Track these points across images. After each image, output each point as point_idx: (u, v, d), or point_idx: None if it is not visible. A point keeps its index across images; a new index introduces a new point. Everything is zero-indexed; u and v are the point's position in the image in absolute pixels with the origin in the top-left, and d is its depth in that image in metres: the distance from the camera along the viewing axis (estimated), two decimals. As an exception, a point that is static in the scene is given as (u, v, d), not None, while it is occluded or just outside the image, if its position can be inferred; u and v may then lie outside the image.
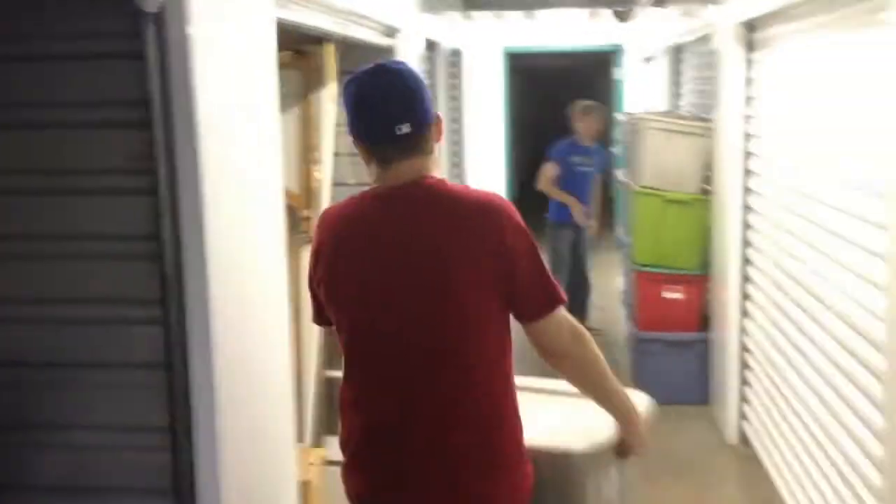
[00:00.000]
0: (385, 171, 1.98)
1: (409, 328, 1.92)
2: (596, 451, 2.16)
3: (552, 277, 1.97)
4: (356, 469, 2.03)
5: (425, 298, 1.90)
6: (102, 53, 2.10)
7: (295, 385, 4.03)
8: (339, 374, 4.80)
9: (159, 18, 2.00)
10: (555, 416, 2.09)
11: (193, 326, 2.07)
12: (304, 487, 3.33)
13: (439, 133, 2.02)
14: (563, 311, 1.98)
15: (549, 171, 6.51)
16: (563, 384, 2.11)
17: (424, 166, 1.97)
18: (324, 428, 4.35)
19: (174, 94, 2.05)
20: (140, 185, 2.09)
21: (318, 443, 4.23)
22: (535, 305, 1.95)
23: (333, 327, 2.05)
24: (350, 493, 2.06)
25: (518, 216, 1.95)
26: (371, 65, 1.97)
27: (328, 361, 4.48)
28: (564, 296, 1.99)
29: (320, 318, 2.11)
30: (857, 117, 3.08)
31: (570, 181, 6.52)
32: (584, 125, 6.59)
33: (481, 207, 1.92)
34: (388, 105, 1.92)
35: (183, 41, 2.04)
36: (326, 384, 4.43)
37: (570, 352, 1.98)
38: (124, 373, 2.15)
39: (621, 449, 2.16)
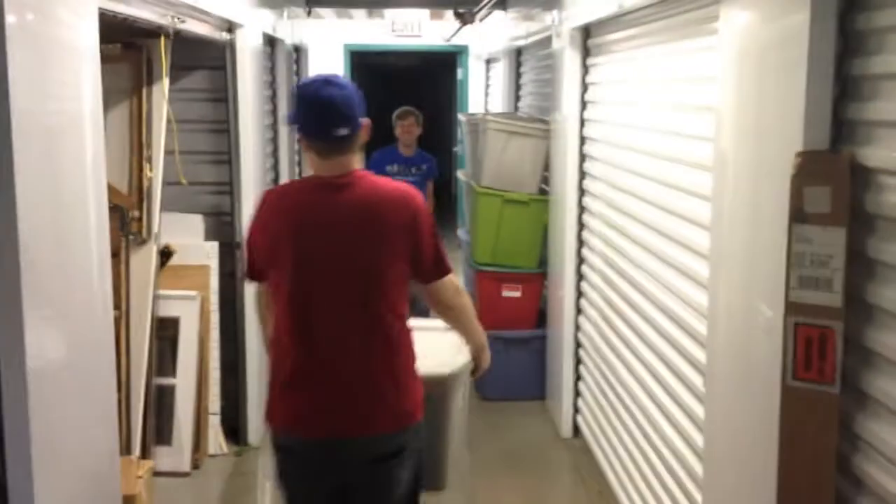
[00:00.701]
0: (322, 162, 2.53)
1: (339, 285, 2.49)
2: (459, 372, 3.08)
3: (445, 251, 2.62)
4: (289, 398, 2.54)
5: (354, 261, 2.48)
6: None
7: (124, 393, 3.87)
8: (171, 381, 4.67)
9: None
10: (429, 347, 2.82)
11: (4, 334, 1.94)
12: (131, 502, 3.20)
13: (366, 135, 2.59)
14: (451, 276, 2.65)
15: None
16: (436, 323, 2.92)
17: (353, 161, 2.56)
18: (152, 438, 4.19)
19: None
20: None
21: (146, 454, 4.08)
22: (433, 272, 2.60)
23: (265, 284, 2.62)
24: (278, 425, 2.57)
25: (424, 203, 2.59)
26: (322, 76, 2.57)
27: (158, 368, 4.32)
28: (452, 265, 2.67)
29: (252, 275, 2.66)
30: (683, 122, 3.23)
31: None
32: (400, 131, 6.45)
33: (399, 196, 2.54)
34: (332, 112, 2.49)
35: (-5, 32, 1.91)
36: (156, 392, 4.28)
37: (454, 305, 2.71)
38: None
39: (474, 370, 3.01)
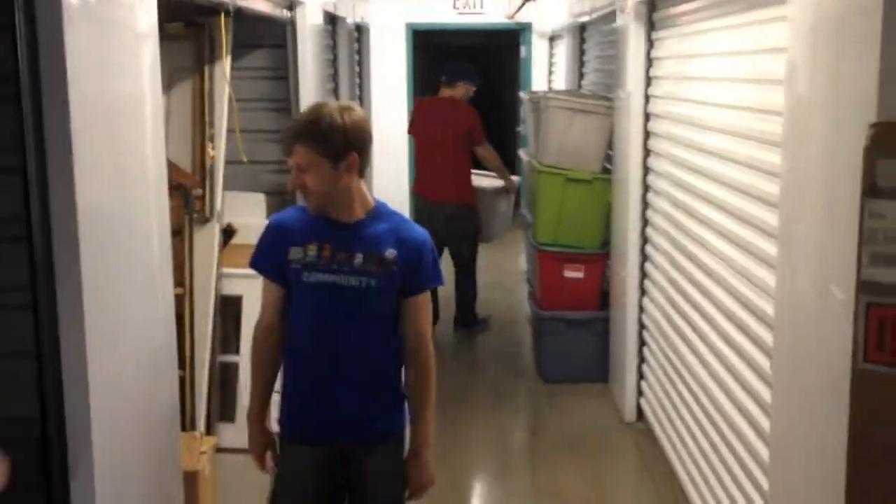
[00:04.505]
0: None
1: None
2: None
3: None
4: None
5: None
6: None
7: (188, 370, 3.92)
8: (234, 358, 4.71)
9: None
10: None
11: (64, 313, 1.96)
12: (194, 477, 3.24)
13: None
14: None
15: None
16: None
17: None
18: (216, 415, 4.25)
19: (44, 68, 1.93)
20: (7, 163, 1.96)
21: (209, 431, 4.13)
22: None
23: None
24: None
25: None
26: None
27: (222, 346, 4.37)
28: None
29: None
30: (752, 96, 3.13)
31: None
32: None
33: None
34: None
35: (54, 12, 1.92)
36: (220, 370, 4.33)
37: None
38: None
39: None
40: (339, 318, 2.53)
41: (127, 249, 2.29)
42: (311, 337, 2.54)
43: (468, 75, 6.28)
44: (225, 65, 4.02)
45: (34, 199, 1.93)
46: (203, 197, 4.20)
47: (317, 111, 2.47)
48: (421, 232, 2.61)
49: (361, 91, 7.17)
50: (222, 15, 3.80)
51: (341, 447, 2.57)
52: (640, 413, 4.94)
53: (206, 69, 4.13)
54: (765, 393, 2.88)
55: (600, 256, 5.53)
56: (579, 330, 5.52)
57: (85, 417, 2.01)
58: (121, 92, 2.28)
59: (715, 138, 3.54)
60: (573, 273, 5.56)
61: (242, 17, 3.87)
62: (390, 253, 2.52)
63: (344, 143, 2.42)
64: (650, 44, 4.62)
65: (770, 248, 2.82)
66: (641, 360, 4.92)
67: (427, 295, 2.64)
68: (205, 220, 4.23)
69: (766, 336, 2.86)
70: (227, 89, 4.10)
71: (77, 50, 1.97)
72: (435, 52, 12.73)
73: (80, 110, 1.98)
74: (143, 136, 2.41)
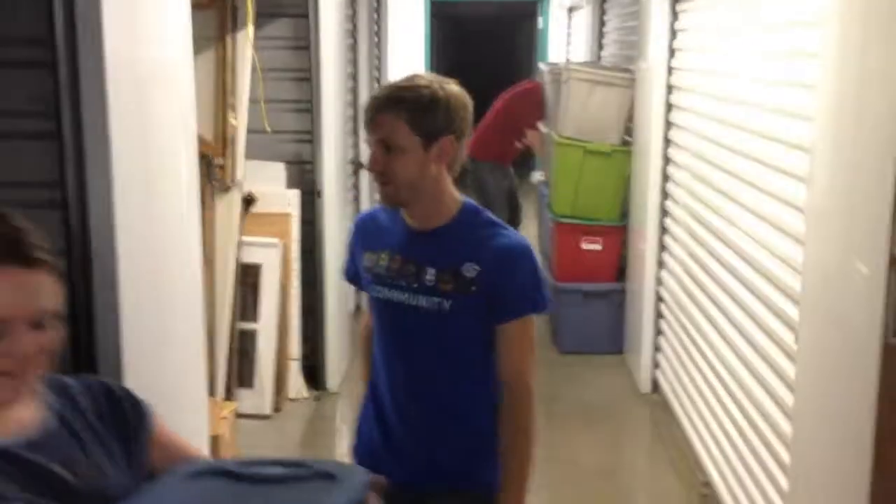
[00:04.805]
0: None
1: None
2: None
3: None
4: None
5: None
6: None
7: (206, 338, 3.96)
8: (253, 326, 4.75)
9: (65, -49, 1.87)
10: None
11: (98, 279, 1.97)
12: (215, 442, 3.29)
13: None
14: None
15: None
16: None
17: None
18: (235, 381, 4.29)
19: (80, 33, 1.93)
20: (43, 128, 1.97)
21: (229, 396, 4.17)
22: None
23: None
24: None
25: None
26: None
27: (241, 314, 4.41)
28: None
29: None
30: (780, 69, 3.11)
31: None
32: None
33: None
34: None
35: (90, -23, 1.92)
36: (239, 337, 4.36)
37: None
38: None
39: None
40: (405, 344, 2.09)
41: (159, 217, 2.30)
42: (381, 360, 2.14)
43: None
44: (249, 34, 4.01)
45: (70, 164, 1.94)
46: (224, 166, 4.21)
47: (412, 78, 2.03)
48: (516, 240, 2.06)
49: (380, 61, 7.14)
50: (247, -17, 3.80)
51: (413, 490, 2.05)
52: (655, 385, 4.96)
53: (229, 38, 4.12)
54: (788, 367, 2.89)
55: (618, 229, 5.53)
56: (596, 301, 5.54)
57: (118, 377, 2.03)
58: (153, 59, 2.28)
59: (740, 111, 3.52)
60: (591, 245, 5.56)
61: (265, -14, 3.86)
62: (470, 269, 2.00)
63: (445, 120, 1.97)
64: (674, 16, 4.59)
65: (796, 222, 2.82)
66: (658, 332, 4.94)
67: (524, 324, 2.05)
68: (226, 189, 4.24)
69: (791, 310, 2.86)
70: (249, 58, 4.09)
71: (112, 16, 1.97)
72: (452, 22, 12.68)
73: (114, 76, 1.99)
74: (173, 104, 2.41)
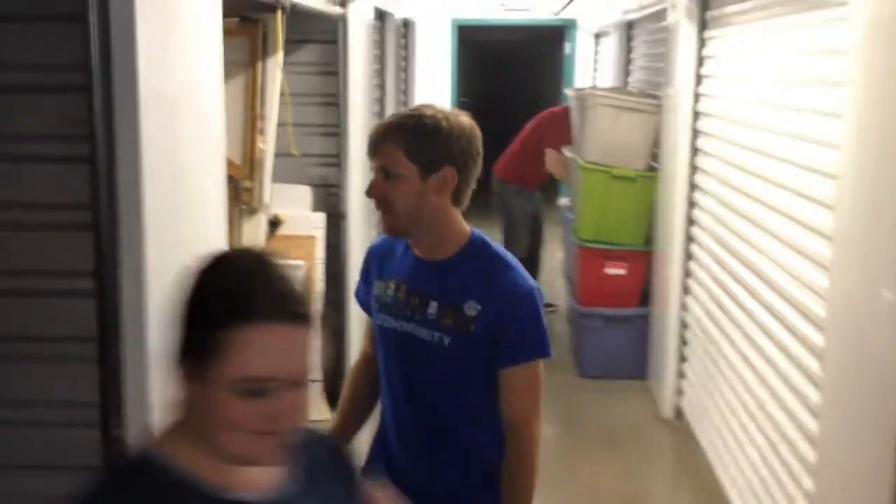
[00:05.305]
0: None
1: None
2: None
3: None
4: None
5: None
6: (42, 15, 2.02)
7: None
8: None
9: (103, -21, 1.92)
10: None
11: (127, 300, 2.01)
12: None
13: None
14: None
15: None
16: None
17: None
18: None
19: (115, 58, 1.98)
20: (77, 151, 2.01)
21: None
22: None
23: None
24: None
25: None
26: None
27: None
28: None
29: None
30: (807, 97, 3.11)
31: None
32: None
33: None
34: None
35: (126, 4, 1.96)
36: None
37: None
38: (55, 346, 2.09)
39: None
40: (408, 375, 2.08)
41: (187, 240, 2.34)
42: (385, 389, 2.15)
43: None
44: (278, 60, 4.07)
45: (102, 187, 1.98)
46: (252, 189, 4.25)
47: (418, 108, 2.03)
48: (522, 282, 2.00)
49: (406, 86, 7.21)
50: (279, 11, 3.85)
51: None
52: (678, 411, 4.93)
53: (259, 64, 4.19)
54: (813, 394, 2.87)
55: (643, 254, 5.52)
56: (619, 326, 5.52)
57: (144, 401, 2.06)
58: (184, 84, 2.33)
59: (767, 138, 3.52)
60: (615, 270, 5.56)
61: (295, 13, 3.91)
62: (472, 307, 1.97)
63: (443, 150, 1.95)
64: (701, 42, 4.61)
65: (822, 249, 2.81)
66: (682, 358, 4.91)
67: (528, 370, 2.00)
68: (252, 211, 4.29)
69: (816, 337, 2.85)
70: (278, 83, 4.14)
71: (146, 42, 2.01)
72: (479, 48, 12.75)
73: (146, 101, 2.03)
74: (203, 128, 2.45)
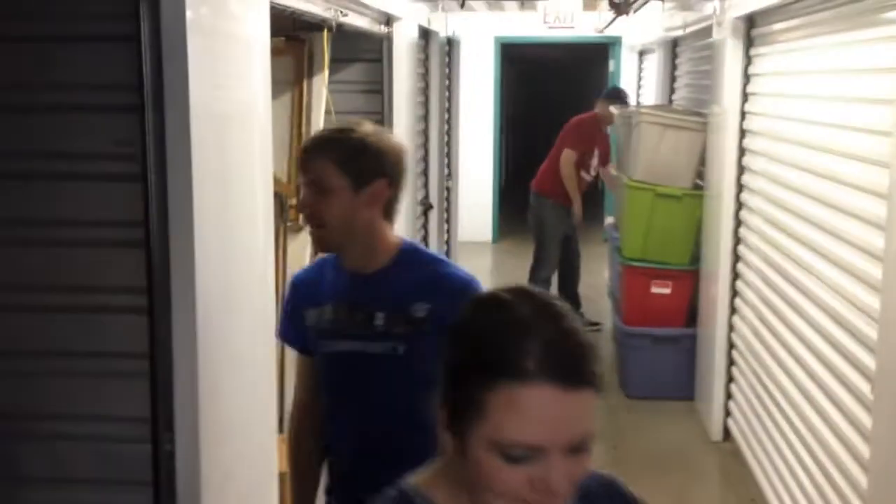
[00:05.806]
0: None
1: None
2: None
3: None
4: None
5: None
6: (97, 36, 2.06)
7: (278, 377, 4.02)
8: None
9: (155, 0, 1.96)
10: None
11: (178, 316, 2.03)
12: (283, 479, 3.31)
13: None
14: None
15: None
16: None
17: None
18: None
19: (167, 79, 2.01)
20: (129, 170, 2.05)
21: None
22: None
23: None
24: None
25: None
26: None
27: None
28: None
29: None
30: (855, 115, 3.07)
31: None
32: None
33: None
34: None
35: (178, 24, 2.00)
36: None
37: None
38: (107, 362, 2.13)
39: None
40: (358, 398, 2.01)
41: (235, 257, 2.37)
42: (338, 425, 2.07)
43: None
44: (324, 78, 4.11)
45: (154, 205, 2.01)
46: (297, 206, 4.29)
47: (348, 124, 2.05)
48: (463, 274, 2.01)
49: (450, 104, 7.24)
50: (325, 31, 3.90)
51: None
52: (726, 433, 4.86)
53: (305, 83, 4.23)
54: (864, 418, 2.82)
55: (688, 273, 5.46)
56: (665, 346, 5.46)
57: (194, 417, 2.08)
58: (233, 103, 2.36)
59: (817, 157, 3.48)
60: (660, 289, 5.51)
61: (341, 33, 3.96)
62: (420, 308, 1.94)
63: (375, 164, 1.96)
64: (748, 60, 4.57)
65: (873, 270, 2.76)
66: (730, 378, 4.85)
67: None
68: (298, 229, 4.32)
69: (867, 360, 2.80)
70: (324, 102, 4.19)
71: (197, 63, 2.05)
72: (523, 65, 12.77)
73: (197, 120, 2.06)
74: (251, 146, 2.49)
